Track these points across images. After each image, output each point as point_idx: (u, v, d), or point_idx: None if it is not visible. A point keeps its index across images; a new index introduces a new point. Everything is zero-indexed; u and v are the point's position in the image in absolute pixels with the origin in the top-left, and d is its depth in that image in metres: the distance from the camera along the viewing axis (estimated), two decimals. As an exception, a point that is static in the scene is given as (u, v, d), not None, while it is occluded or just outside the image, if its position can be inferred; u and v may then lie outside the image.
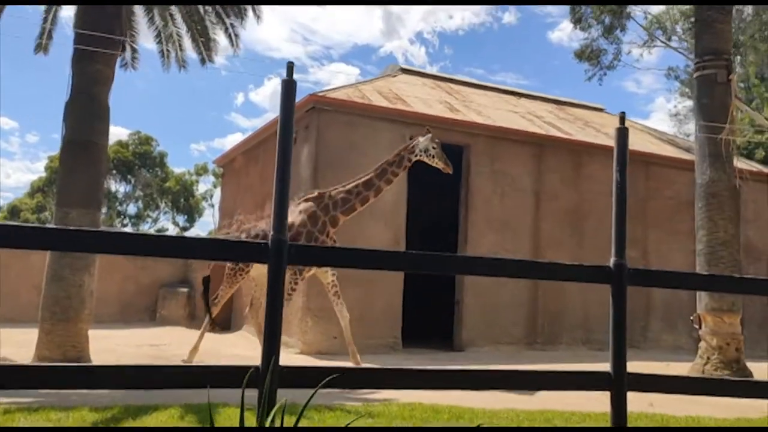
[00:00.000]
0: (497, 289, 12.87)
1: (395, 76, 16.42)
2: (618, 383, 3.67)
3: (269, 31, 67.78)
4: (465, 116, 13.83)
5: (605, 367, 3.70)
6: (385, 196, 12.33)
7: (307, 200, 8.72)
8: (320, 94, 12.47)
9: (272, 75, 78.80)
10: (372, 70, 77.82)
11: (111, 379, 2.82)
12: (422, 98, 14.52)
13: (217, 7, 9.80)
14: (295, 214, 8.62)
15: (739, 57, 22.21)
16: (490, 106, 15.66)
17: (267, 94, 62.61)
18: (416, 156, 8.58)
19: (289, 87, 3.42)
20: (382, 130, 12.56)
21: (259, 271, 9.12)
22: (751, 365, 10.36)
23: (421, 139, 8.61)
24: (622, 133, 3.99)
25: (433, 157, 8.58)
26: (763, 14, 20.90)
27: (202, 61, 10.07)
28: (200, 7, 10.13)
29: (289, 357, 10.54)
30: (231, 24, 9.95)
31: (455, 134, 13.19)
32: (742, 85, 21.86)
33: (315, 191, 8.86)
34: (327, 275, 8.73)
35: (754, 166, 16.23)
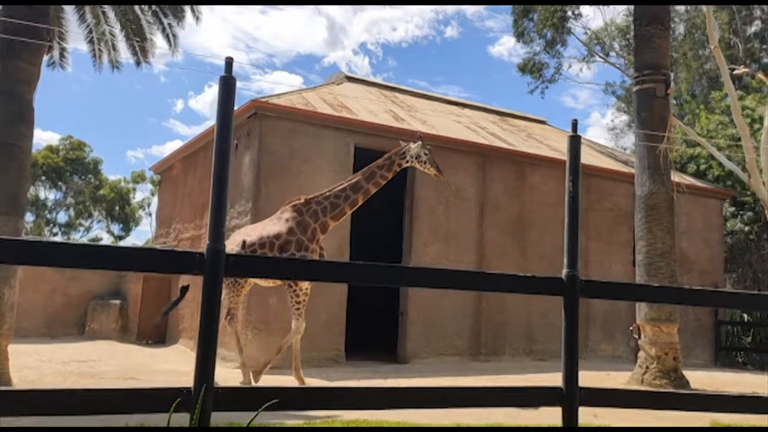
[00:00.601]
0: (441, 301, 12.77)
1: (340, 84, 16.22)
2: (569, 398, 3.55)
3: (211, 37, 66.65)
4: (410, 125, 13.73)
5: (550, 377, 3.58)
6: (329, 205, 12.12)
7: (294, 207, 8.36)
8: (262, 99, 12.13)
9: (213, 82, 77.56)
10: (315, 80, 77.47)
11: (15, 405, 2.49)
12: (367, 107, 14.36)
13: (154, 6, 9.36)
14: (281, 223, 8.27)
15: (672, 74, 22.99)
16: (434, 116, 15.63)
17: (207, 101, 61.52)
18: (407, 161, 8.46)
19: (227, 83, 3.16)
20: (325, 137, 12.32)
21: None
22: (687, 373, 10.55)
23: (412, 145, 8.50)
24: (575, 141, 3.86)
25: (425, 163, 8.47)
26: (695, 33, 21.73)
27: (137, 63, 9.59)
28: (137, 6, 9.67)
29: (227, 372, 10.11)
30: (169, 24, 9.52)
31: (400, 143, 13.06)
32: (674, 101, 22.63)
33: (301, 197, 8.48)
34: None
35: (687, 180, 16.74)
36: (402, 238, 13.27)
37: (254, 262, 3.51)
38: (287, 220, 8.22)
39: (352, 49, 70.65)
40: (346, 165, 12.42)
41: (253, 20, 69.56)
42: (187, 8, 9.39)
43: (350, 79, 17.04)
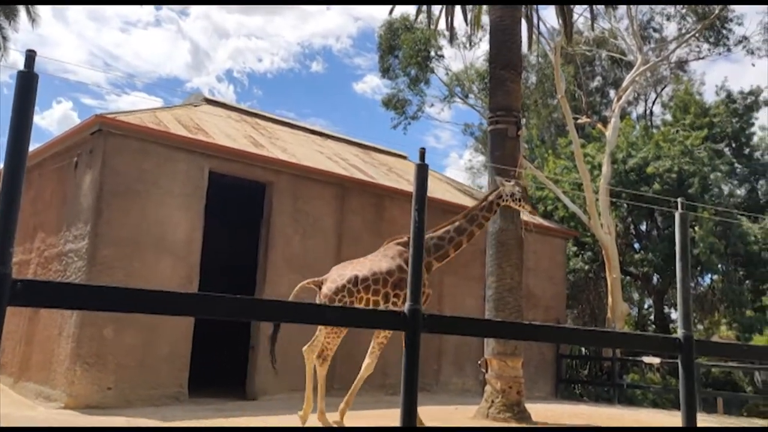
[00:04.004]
0: (295, 333, 12.32)
1: (198, 105, 15.56)
2: (409, 440, 3.37)
3: (65, 52, 62.47)
4: (269, 152, 13.37)
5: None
6: (177, 231, 11.41)
7: (398, 244, 8.23)
8: (109, 115, 11.29)
9: (62, 98, 72.64)
10: (177, 104, 74.75)
11: None
12: (225, 131, 13.83)
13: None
14: (388, 259, 8.10)
15: (524, 119, 24.46)
16: (295, 145, 15.38)
17: (55, 118, 57.51)
18: (504, 201, 8.62)
19: (26, 81, 2.72)
20: (179, 160, 11.65)
21: None
22: (529, 406, 10.87)
23: (506, 184, 8.66)
24: (422, 170, 3.78)
25: (519, 200, 8.66)
26: (545, 83, 23.33)
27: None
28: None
29: (49, 414, 9.05)
30: (-1, 24, 8.54)
31: (258, 170, 12.67)
32: (526, 145, 24.03)
33: (403, 235, 8.29)
34: None
35: (536, 219, 17.66)
36: (257, 268, 12.76)
37: (54, 291, 3.00)
38: (393, 257, 8.12)
39: (216, 75, 69.15)
40: (199, 189, 11.81)
41: (113, 38, 66.09)
42: (22, 9, 8.49)
43: (210, 102, 16.42)
